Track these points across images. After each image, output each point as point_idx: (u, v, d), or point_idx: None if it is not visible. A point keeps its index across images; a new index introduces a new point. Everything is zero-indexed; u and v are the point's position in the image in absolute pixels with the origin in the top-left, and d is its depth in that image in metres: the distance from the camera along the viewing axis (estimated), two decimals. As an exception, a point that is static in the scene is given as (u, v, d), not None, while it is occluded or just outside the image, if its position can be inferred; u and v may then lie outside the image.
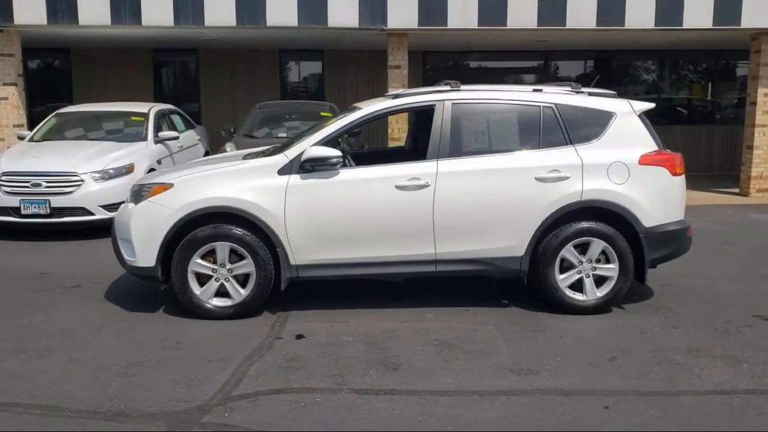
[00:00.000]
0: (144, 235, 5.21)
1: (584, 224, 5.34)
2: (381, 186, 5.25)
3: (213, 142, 12.07)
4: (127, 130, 9.55)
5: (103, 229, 8.30)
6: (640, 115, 5.55)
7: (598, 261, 5.38)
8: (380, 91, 14.47)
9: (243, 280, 5.28)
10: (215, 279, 5.26)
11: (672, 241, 5.48)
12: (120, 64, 14.00)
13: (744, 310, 5.56)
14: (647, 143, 5.48)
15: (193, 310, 5.27)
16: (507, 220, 5.30)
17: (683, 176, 5.56)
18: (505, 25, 10.49)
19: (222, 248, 5.21)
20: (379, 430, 3.57)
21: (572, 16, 10.51)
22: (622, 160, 5.35)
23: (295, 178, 5.22)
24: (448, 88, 5.54)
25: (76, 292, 6.04)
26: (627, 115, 5.51)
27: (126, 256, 5.36)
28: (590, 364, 4.47)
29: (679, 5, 10.57)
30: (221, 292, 5.29)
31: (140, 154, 8.81)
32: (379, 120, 5.79)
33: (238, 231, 5.18)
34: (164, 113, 10.25)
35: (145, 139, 9.26)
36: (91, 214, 8.06)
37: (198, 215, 5.16)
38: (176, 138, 9.61)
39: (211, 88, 14.33)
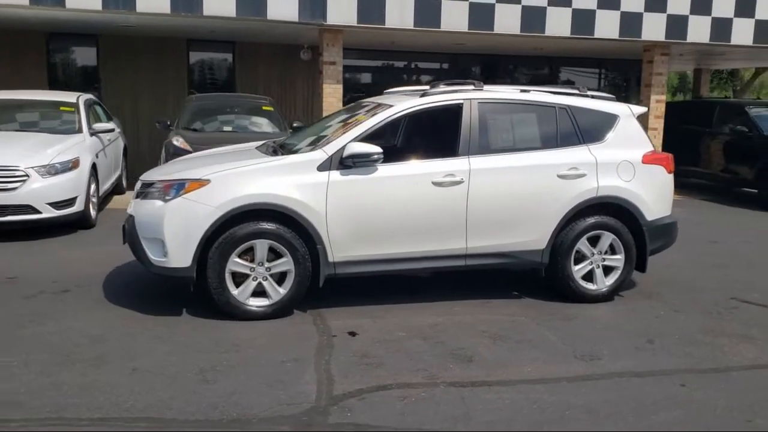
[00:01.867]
0: (180, 233, 4.91)
1: (597, 218, 5.73)
2: (419, 182, 5.32)
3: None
4: (55, 122, 8.77)
5: (50, 229, 7.67)
6: (637, 118, 6.06)
7: (606, 253, 5.81)
8: (293, 86, 14.43)
9: (278, 278, 5.14)
10: (252, 278, 5.07)
11: (667, 233, 6.04)
12: (12, 49, 12.69)
13: (719, 293, 6.23)
14: (645, 144, 5.99)
15: (231, 312, 5.05)
16: (532, 215, 5.58)
17: (672, 174, 6.14)
18: (439, 28, 10.80)
19: (261, 246, 5.03)
20: (507, 423, 3.70)
21: (499, 22, 11.04)
22: (629, 159, 5.81)
23: (335, 174, 5.15)
24: (471, 87, 5.72)
25: (71, 297, 5.54)
26: (628, 118, 5.98)
27: (152, 257, 5.02)
28: (636, 348, 4.84)
29: (592, 19, 11.44)
30: (256, 292, 5.12)
31: (81, 147, 8.13)
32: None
33: (278, 228, 5.03)
34: (90, 103, 9.51)
35: (80, 131, 8.55)
36: (38, 212, 7.36)
37: (238, 213, 4.95)
38: (112, 130, 8.98)
39: (111, 77, 13.40)
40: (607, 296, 5.85)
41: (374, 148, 5.15)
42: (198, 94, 11.07)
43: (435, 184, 5.34)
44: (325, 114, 10.97)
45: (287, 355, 4.46)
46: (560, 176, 5.61)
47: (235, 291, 5.04)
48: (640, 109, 6.13)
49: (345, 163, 5.16)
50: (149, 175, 5.55)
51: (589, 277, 5.81)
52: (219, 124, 9.66)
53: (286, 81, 14.25)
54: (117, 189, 10.17)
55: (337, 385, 4.05)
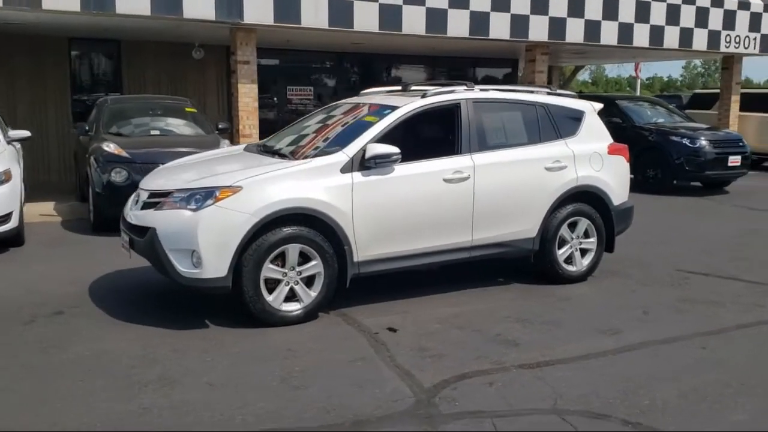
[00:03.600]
0: (215, 242, 4.77)
1: (575, 206, 6.28)
2: (432, 180, 5.55)
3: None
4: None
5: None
6: (597, 113, 6.68)
7: (582, 237, 6.38)
8: (184, 86, 13.85)
9: (306, 282, 5.15)
10: (285, 283, 5.04)
11: (628, 216, 6.73)
12: None
13: (666, 267, 7.02)
14: (607, 136, 6.63)
15: (266, 319, 4.98)
16: (526, 206, 6.00)
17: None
18: (352, 28, 10.98)
19: (293, 251, 5.01)
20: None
21: (406, 23, 11.42)
22: (597, 151, 6.42)
23: (357, 176, 5.24)
24: (464, 88, 6.02)
25: (72, 319, 5.16)
26: (591, 113, 6.59)
27: (181, 269, 4.82)
28: (639, 319, 5.41)
29: (487, 21, 12.16)
30: (287, 297, 5.09)
31: (6, 157, 7.43)
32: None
33: (309, 232, 5.04)
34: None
35: (-4, 139, 7.80)
36: (-25, 230, 6.67)
37: (272, 218, 4.90)
38: (28, 137, 8.25)
39: (-20, 80, 12.16)
40: (584, 276, 6.42)
41: (394, 149, 5.29)
42: (112, 96, 10.40)
43: (446, 180, 5.59)
44: (241, 114, 10.79)
45: (350, 356, 4.52)
46: (547, 169, 6.09)
47: (269, 297, 4.98)
48: (598, 105, 6.76)
49: (366, 164, 5.25)
50: (154, 184, 5.30)
51: (569, 260, 6.34)
52: (145, 128, 9.16)
53: (177, 80, 13.68)
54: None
55: (419, 379, 4.18)
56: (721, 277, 6.68)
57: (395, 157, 5.29)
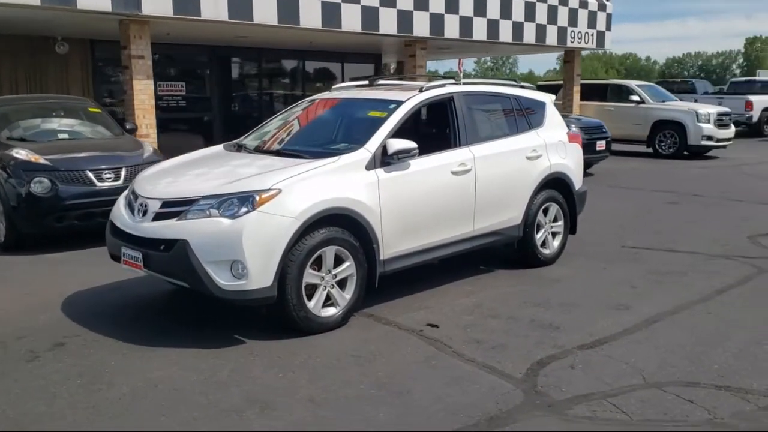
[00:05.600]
0: (261, 251, 4.42)
1: (548, 192, 6.60)
2: (442, 173, 5.56)
3: None
4: None
5: None
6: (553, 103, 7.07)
7: (552, 221, 6.73)
8: (45, 83, 12.44)
9: (339, 285, 4.96)
10: (323, 288, 4.81)
11: (584, 200, 7.20)
12: None
13: (612, 245, 7.60)
14: (564, 125, 7.03)
15: (307, 327, 4.73)
16: (514, 194, 6.22)
17: (581, 150, 7.29)
18: (252, 21, 10.58)
19: (330, 253, 4.80)
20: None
21: (303, 16, 11.22)
22: (561, 139, 6.79)
23: (381, 172, 5.12)
24: (452, 81, 6.08)
25: (82, 349, 4.53)
26: (550, 104, 6.95)
27: (222, 282, 4.42)
28: (634, 294, 5.80)
29: (376, 17, 12.26)
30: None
31: None
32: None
33: (344, 233, 4.85)
34: None
35: None
36: None
37: (313, 221, 4.65)
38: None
39: None
40: (555, 258, 6.78)
41: (412, 144, 5.23)
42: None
43: (453, 173, 5.63)
44: (137, 113, 10.00)
45: (418, 356, 4.43)
46: (528, 158, 6.34)
47: (310, 304, 4.73)
48: (553, 96, 7.15)
49: (387, 160, 5.15)
50: (165, 192, 4.79)
51: (544, 243, 6.66)
52: (52, 132, 8.12)
53: (36, 77, 12.30)
54: None
55: (504, 370, 4.21)
56: (662, 250, 7.36)
57: (414, 152, 5.24)
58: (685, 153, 16.90)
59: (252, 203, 4.47)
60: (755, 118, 23.71)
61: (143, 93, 9.99)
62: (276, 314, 4.72)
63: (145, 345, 4.59)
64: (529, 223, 6.40)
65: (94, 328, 4.91)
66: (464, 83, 6.19)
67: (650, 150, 17.22)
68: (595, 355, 4.46)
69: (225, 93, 15.35)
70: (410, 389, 3.93)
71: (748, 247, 7.47)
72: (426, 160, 5.49)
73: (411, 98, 5.58)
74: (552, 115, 6.85)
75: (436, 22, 13.41)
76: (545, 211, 6.60)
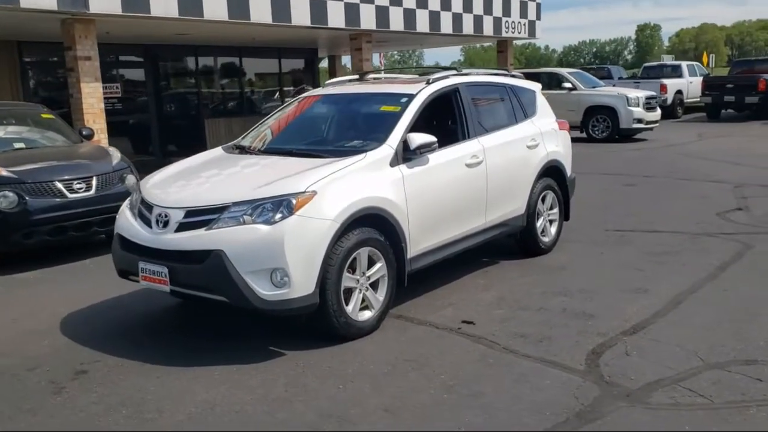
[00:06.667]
0: (303, 257, 4.18)
1: (545, 181, 6.61)
2: (457, 166, 5.45)
3: None
4: None
5: None
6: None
7: (549, 208, 6.75)
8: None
9: (372, 286, 4.77)
10: (358, 291, 4.62)
11: (574, 186, 7.24)
12: None
13: (594, 229, 7.69)
14: (552, 113, 7.05)
15: (346, 333, 4.53)
16: (518, 185, 6.18)
17: (566, 137, 7.32)
18: (203, 17, 10.13)
19: (364, 255, 4.61)
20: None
21: (254, 13, 10.85)
22: (553, 127, 6.81)
23: (404, 168, 4.96)
24: (454, 72, 5.96)
25: (109, 375, 4.16)
26: (539, 92, 6.96)
27: (263, 292, 4.14)
28: (644, 277, 5.85)
29: (324, 10, 12.00)
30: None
31: None
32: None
33: (375, 233, 4.67)
34: None
35: None
36: None
37: (349, 222, 4.43)
38: None
39: None
40: (552, 246, 6.80)
41: (432, 138, 5.09)
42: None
43: (467, 166, 5.53)
44: (86, 117, 9.41)
45: (471, 356, 4.31)
46: (528, 147, 6.32)
47: (348, 308, 4.52)
48: (539, 84, 7.16)
49: (409, 155, 4.99)
50: (186, 200, 4.45)
51: (543, 231, 6.66)
52: (5, 141, 7.43)
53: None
54: None
55: (564, 362, 4.14)
56: (645, 232, 7.51)
57: (434, 145, 5.10)
58: (616, 136, 17.48)
59: (289, 207, 4.21)
60: (669, 101, 24.81)
61: (92, 96, 9.36)
62: (316, 322, 4.48)
63: (176, 366, 4.26)
64: (531, 213, 6.38)
65: (111, 351, 4.53)
66: (464, 73, 6.09)
67: (584, 135, 17.70)
68: (643, 340, 4.46)
69: (160, 93, 14.68)
70: (481, 391, 3.80)
71: (722, 224, 7.73)
72: (441, 154, 5.35)
73: (422, 91, 5.43)
74: (542, 103, 6.86)
75: (382, 14, 13.28)
76: (543, 200, 6.60)
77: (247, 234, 4.16)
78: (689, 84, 25.49)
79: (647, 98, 17.60)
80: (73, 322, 5.17)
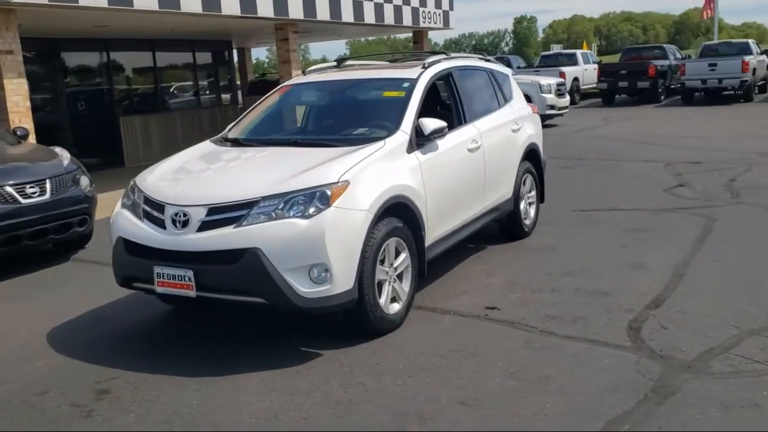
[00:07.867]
0: (343, 250, 3.95)
1: (525, 164, 6.63)
2: (461, 151, 5.36)
3: None
4: None
5: None
6: (511, 75, 7.09)
7: (529, 191, 6.80)
8: None
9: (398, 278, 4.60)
10: (388, 283, 4.43)
11: (546, 168, 7.32)
12: None
13: (560, 211, 7.80)
14: (523, 97, 7.09)
15: (380, 327, 4.34)
16: (508, 168, 6.16)
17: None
18: (132, 6, 9.48)
19: (392, 245, 4.43)
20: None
21: (185, 2, 10.29)
22: (529, 111, 6.85)
23: (419, 155, 4.81)
24: (443, 56, 5.84)
25: (134, 392, 3.77)
26: (512, 77, 6.97)
27: (303, 290, 3.88)
28: (633, 253, 5.98)
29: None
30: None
31: None
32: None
33: (400, 222, 4.49)
34: None
35: None
36: None
37: (380, 212, 4.23)
38: None
39: None
40: (533, 228, 6.85)
41: (443, 122, 4.97)
42: None
43: (469, 150, 5.44)
44: (11, 116, 8.61)
45: (514, 341, 4.24)
46: (513, 131, 6.31)
47: (381, 301, 4.33)
48: (510, 69, 7.17)
49: (422, 141, 4.85)
50: (206, 197, 4.09)
51: (525, 214, 6.69)
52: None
53: None
54: None
55: (608, 341, 4.14)
56: (608, 210, 7.73)
57: (445, 130, 4.98)
58: (531, 123, 17.98)
59: (324, 199, 3.96)
60: (568, 87, 25.83)
61: (16, 93, 8.53)
62: (352, 318, 4.26)
63: (209, 376, 3.92)
64: (516, 196, 6.38)
65: (123, 366, 4.12)
66: (451, 57, 5.99)
67: (501, 122, 18.09)
68: (670, 312, 4.54)
69: (70, 90, 13.68)
70: (546, 375, 3.73)
71: (674, 200, 8.06)
72: (446, 139, 5.23)
73: (423, 74, 5.28)
74: (516, 87, 6.87)
75: (309, 4, 12.95)
76: (524, 183, 6.62)
77: (284, 229, 3.87)
78: (584, 71, 26.61)
79: (558, 85, 18.21)
80: (62, 339, 4.67)
